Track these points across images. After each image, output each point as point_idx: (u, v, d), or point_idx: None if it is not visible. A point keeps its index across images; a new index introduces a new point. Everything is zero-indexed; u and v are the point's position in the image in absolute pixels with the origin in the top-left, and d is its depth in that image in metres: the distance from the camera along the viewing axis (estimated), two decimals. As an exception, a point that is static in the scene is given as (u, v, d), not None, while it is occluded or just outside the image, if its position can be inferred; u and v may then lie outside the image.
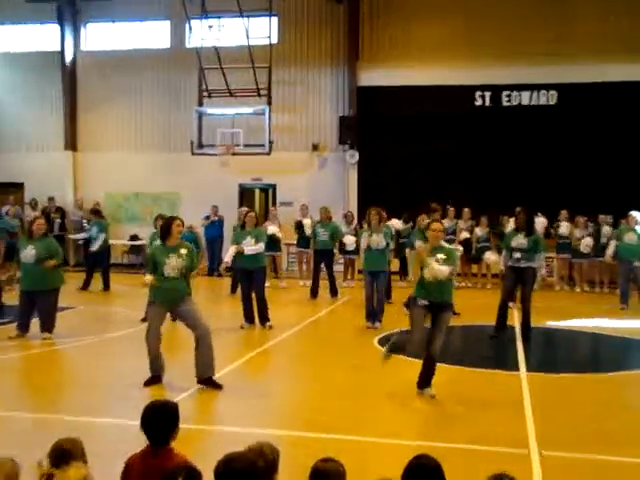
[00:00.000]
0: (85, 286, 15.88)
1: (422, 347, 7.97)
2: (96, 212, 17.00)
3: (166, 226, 7.83)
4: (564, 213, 16.71)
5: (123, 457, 3.85)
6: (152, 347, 7.91)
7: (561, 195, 17.71)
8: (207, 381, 7.60)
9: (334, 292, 15.00)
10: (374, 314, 11.78)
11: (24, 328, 10.89)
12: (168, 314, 8.32)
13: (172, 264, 7.65)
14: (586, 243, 16.35)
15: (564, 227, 16.79)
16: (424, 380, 7.75)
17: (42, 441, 3.93)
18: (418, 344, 8.00)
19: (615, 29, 18.03)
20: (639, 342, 11.31)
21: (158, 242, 8.75)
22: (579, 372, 9.35)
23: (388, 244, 12.25)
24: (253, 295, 11.73)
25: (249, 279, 11.85)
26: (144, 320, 10.85)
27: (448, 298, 7.81)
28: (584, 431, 6.77)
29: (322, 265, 15.22)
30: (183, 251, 7.69)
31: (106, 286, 16.08)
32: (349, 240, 15.01)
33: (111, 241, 18.00)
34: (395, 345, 8.33)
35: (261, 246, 11.52)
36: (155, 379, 7.96)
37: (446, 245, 7.96)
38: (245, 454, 3.46)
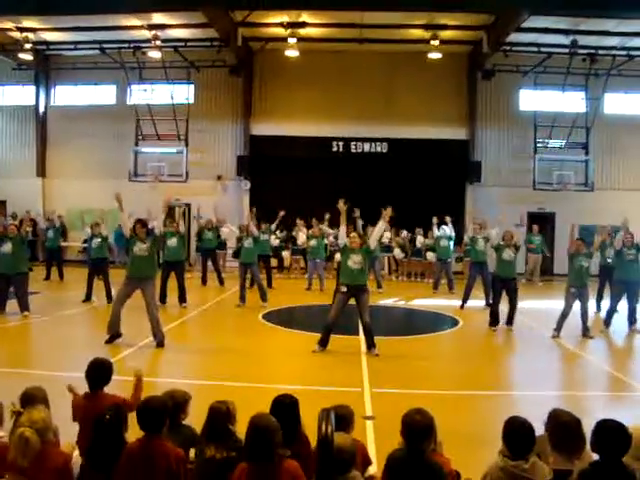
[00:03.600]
0: (47, 277, 18.73)
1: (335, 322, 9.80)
2: (49, 220, 19.86)
3: (134, 227, 10.47)
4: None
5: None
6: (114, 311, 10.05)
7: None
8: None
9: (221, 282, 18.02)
10: (244, 297, 14.45)
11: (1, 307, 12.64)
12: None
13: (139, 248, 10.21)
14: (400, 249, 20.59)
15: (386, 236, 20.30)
16: (370, 343, 9.73)
17: (16, 388, 4.46)
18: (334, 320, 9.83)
19: (421, 103, 22.72)
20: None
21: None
22: (399, 335, 11.72)
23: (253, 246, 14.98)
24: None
25: (171, 270, 14.62)
26: (85, 301, 14.34)
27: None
28: (401, 374, 8.55)
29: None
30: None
31: (61, 276, 18.96)
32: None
33: (68, 243, 21.76)
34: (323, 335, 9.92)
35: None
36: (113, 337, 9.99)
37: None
38: (159, 396, 4.12)
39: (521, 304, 13.02)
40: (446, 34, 21.03)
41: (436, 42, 20.82)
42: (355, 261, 10.02)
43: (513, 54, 21.65)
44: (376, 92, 23.11)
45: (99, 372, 4.80)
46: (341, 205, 10.48)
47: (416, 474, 3.52)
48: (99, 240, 15.50)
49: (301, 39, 21.11)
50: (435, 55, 21.51)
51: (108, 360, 5.00)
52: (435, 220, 17.84)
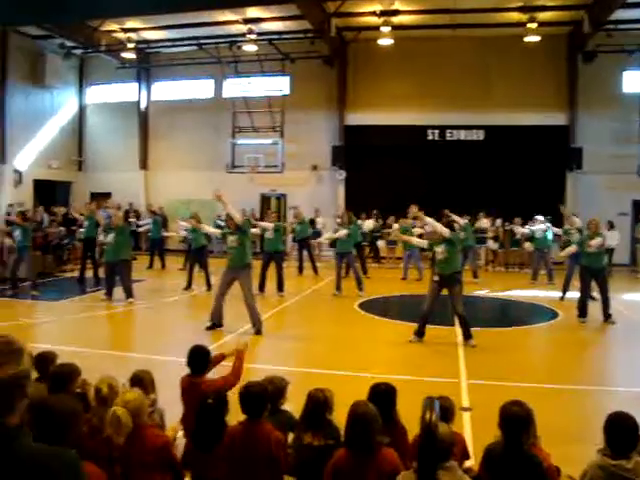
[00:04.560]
0: (150, 266, 19.51)
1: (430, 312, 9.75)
2: (152, 211, 21.01)
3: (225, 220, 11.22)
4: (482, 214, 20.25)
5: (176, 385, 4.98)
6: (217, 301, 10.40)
7: (483, 201, 20.99)
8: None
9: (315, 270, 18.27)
10: (340, 286, 14.61)
11: (109, 293, 13.40)
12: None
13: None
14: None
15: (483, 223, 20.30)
16: (466, 334, 9.66)
17: (123, 371, 4.75)
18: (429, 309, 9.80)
19: (518, 89, 21.97)
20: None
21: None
22: (496, 327, 11.44)
23: (350, 234, 15.09)
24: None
25: (270, 260, 14.87)
26: (186, 289, 14.92)
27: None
28: (498, 366, 8.36)
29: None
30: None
31: (163, 265, 19.74)
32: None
33: (169, 233, 22.06)
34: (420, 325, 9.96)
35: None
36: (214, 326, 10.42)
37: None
38: (260, 382, 4.25)
39: (625, 296, 12.48)
40: (544, 16, 20.27)
41: (533, 25, 20.08)
42: (440, 251, 10.03)
43: (617, 33, 20.49)
44: (471, 78, 22.64)
45: (199, 359, 5.02)
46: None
47: (515, 467, 3.47)
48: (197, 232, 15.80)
49: (394, 27, 20.88)
50: (532, 38, 20.73)
51: (206, 347, 5.19)
52: (541, 218, 17.45)
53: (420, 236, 18.40)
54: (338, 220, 18.82)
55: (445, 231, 10.21)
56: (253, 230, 13.61)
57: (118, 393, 4.15)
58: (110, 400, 4.09)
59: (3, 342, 1.76)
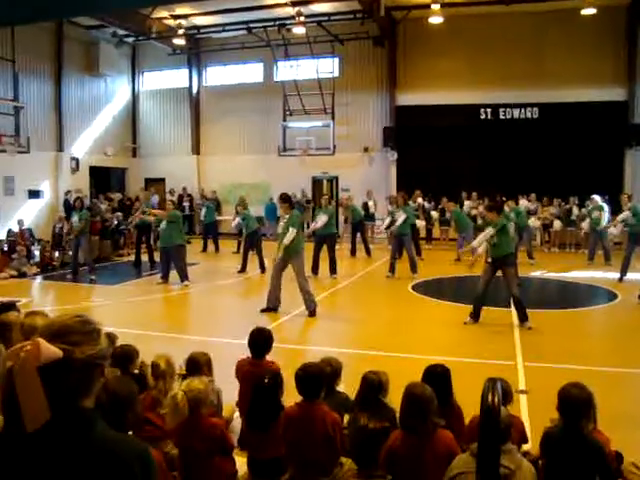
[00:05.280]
0: (204, 249, 19.92)
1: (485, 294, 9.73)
2: (204, 197, 21.45)
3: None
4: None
5: (232, 366, 5.06)
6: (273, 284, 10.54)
7: (539, 183, 20.75)
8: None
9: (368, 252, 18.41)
10: (394, 267, 14.57)
11: (165, 277, 13.77)
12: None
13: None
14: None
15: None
16: (521, 316, 9.55)
17: (180, 352, 4.86)
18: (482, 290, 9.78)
19: (573, 64, 21.28)
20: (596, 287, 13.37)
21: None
22: (552, 308, 11.28)
23: (409, 217, 14.99)
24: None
25: (323, 243, 14.96)
26: (240, 272, 15.15)
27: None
28: (555, 349, 8.21)
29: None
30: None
31: (217, 249, 19.98)
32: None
33: (223, 217, 22.42)
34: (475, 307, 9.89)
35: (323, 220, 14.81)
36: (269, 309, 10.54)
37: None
38: (317, 363, 4.29)
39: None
40: (602, -13, 19.56)
41: (591, -4, 19.49)
42: (490, 234, 9.88)
43: (679, 4, 19.70)
44: (525, 55, 21.81)
45: (261, 341, 5.07)
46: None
47: (575, 452, 3.42)
48: (247, 217, 16.23)
49: (444, 4, 20.49)
50: (589, 11, 20.12)
51: (268, 329, 5.22)
52: (598, 197, 17.12)
53: (474, 218, 18.50)
54: (389, 205, 18.71)
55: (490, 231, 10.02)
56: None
57: (175, 369, 4.31)
58: (169, 375, 4.24)
59: (80, 321, 1.75)
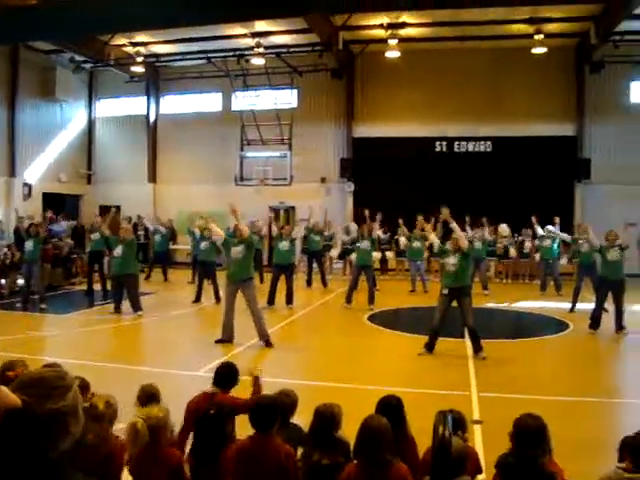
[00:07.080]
0: (147, 277, 19.42)
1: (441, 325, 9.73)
2: (161, 224, 20.42)
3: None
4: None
5: (187, 399, 4.74)
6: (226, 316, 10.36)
7: (493, 214, 19.96)
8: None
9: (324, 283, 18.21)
10: (351, 298, 14.52)
11: (118, 306, 13.44)
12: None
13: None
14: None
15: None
16: (476, 347, 9.57)
17: (129, 384, 4.77)
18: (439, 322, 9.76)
19: (526, 100, 21.95)
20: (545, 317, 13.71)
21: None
22: (506, 338, 11.51)
23: (373, 247, 15.11)
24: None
25: (281, 272, 14.72)
26: (195, 301, 14.80)
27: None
28: (509, 379, 8.31)
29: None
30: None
31: (165, 278, 19.48)
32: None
33: (178, 246, 22.58)
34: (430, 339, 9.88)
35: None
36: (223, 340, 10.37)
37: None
38: (271, 396, 4.25)
39: (636, 307, 12.36)
40: (551, 27, 20.31)
41: (540, 36, 20.18)
42: (451, 263, 9.91)
43: (624, 44, 20.47)
44: (479, 90, 22.56)
45: (226, 376, 4.94)
46: (446, 213, 10.22)
47: (529, 482, 3.40)
48: (208, 243, 15.80)
49: (401, 40, 20.89)
50: (540, 50, 20.77)
51: (234, 365, 5.08)
52: (534, 219, 17.46)
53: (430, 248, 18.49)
54: (344, 235, 18.98)
55: (466, 244, 10.15)
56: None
57: (116, 412, 4.02)
58: (107, 418, 3.94)
59: (53, 376, 1.75)
